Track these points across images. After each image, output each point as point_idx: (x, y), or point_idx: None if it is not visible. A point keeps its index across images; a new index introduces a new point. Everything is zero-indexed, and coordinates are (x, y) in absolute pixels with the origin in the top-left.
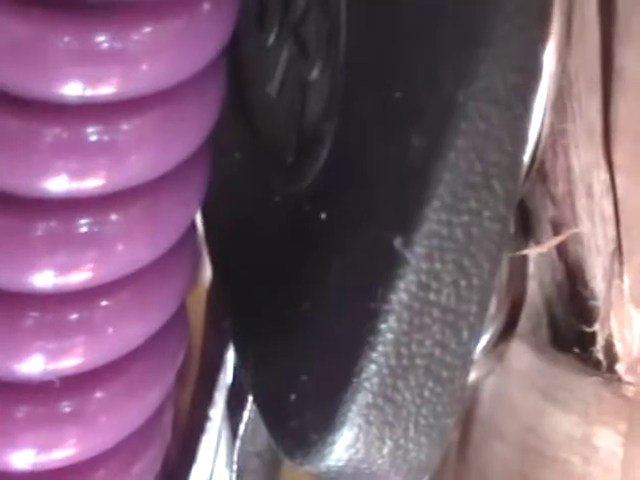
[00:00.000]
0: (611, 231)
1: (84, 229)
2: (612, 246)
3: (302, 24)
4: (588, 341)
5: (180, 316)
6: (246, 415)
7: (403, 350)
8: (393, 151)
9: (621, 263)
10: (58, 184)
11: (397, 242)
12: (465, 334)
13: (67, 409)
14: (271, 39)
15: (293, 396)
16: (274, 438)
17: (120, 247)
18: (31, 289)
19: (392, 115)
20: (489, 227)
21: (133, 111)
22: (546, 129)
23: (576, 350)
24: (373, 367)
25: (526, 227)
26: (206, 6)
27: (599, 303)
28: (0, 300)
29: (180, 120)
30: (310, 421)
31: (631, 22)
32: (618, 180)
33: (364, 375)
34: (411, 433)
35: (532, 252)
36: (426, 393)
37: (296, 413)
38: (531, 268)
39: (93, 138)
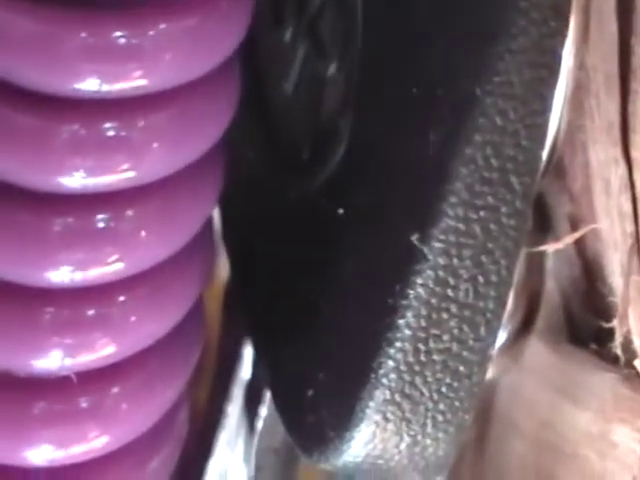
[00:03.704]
0: (629, 227)
1: (101, 225)
2: (630, 242)
3: (318, 20)
4: (606, 337)
5: (197, 312)
6: (264, 411)
7: (421, 346)
8: (410, 147)
9: (639, 259)
10: (75, 180)
11: (414, 237)
12: (482, 330)
13: (84, 405)
14: (287, 36)
15: (310, 392)
16: (291, 434)
17: (137, 243)
18: (48, 285)
19: (409, 111)
20: (506, 223)
21: (150, 107)
22: (564, 125)
23: (594, 346)
24: (391, 363)
25: (544, 223)
26: (222, 3)
27: (617, 299)
28: (17, 296)
29: (196, 116)
30: (327, 417)
31: None
32: (636, 176)
33: (382, 371)
34: (428, 429)
35: (550, 248)
36: (444, 389)
37: (313, 409)
38: (549, 264)
39: (110, 134)
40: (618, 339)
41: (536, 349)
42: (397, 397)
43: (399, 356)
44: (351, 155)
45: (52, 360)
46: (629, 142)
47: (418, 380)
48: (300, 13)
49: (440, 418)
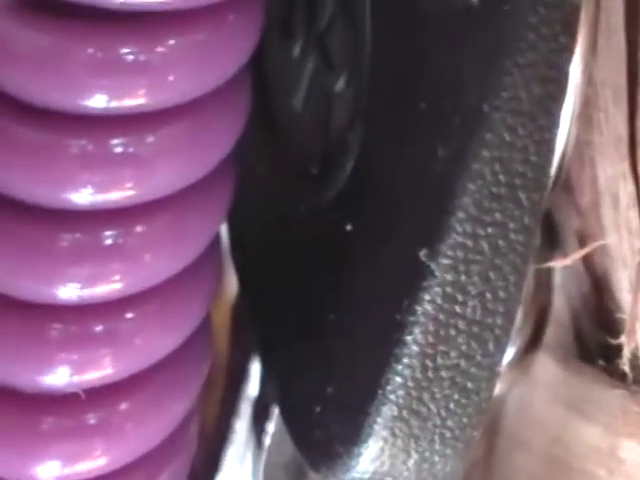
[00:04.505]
0: (638, 243)
1: (109, 241)
2: (638, 258)
3: (327, 35)
4: (614, 353)
5: (205, 327)
6: (271, 427)
7: (428, 362)
8: (418, 162)
9: None
10: (83, 196)
11: (422, 253)
12: (491, 346)
13: (92, 421)
14: (296, 51)
15: (318, 408)
16: (299, 449)
17: (145, 259)
18: (56, 301)
19: (417, 126)
20: (515, 239)
21: (158, 123)
22: (572, 140)
23: (602, 362)
24: (398, 379)
25: (552, 239)
26: (231, 17)
27: (625, 315)
28: (25, 312)
29: (205, 131)
30: (335, 433)
31: None
32: None
33: (390, 387)
34: (436, 445)
35: (558, 264)
36: (451, 405)
37: (321, 425)
38: (557, 280)
39: (118, 150)
40: (626, 355)
41: (544, 365)
42: (405, 413)
43: (407, 372)
44: (360, 170)
45: (59, 376)
46: (637, 157)
47: (426, 396)
48: (309, 27)
49: (448, 434)
